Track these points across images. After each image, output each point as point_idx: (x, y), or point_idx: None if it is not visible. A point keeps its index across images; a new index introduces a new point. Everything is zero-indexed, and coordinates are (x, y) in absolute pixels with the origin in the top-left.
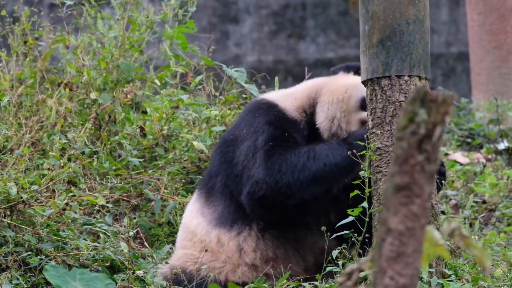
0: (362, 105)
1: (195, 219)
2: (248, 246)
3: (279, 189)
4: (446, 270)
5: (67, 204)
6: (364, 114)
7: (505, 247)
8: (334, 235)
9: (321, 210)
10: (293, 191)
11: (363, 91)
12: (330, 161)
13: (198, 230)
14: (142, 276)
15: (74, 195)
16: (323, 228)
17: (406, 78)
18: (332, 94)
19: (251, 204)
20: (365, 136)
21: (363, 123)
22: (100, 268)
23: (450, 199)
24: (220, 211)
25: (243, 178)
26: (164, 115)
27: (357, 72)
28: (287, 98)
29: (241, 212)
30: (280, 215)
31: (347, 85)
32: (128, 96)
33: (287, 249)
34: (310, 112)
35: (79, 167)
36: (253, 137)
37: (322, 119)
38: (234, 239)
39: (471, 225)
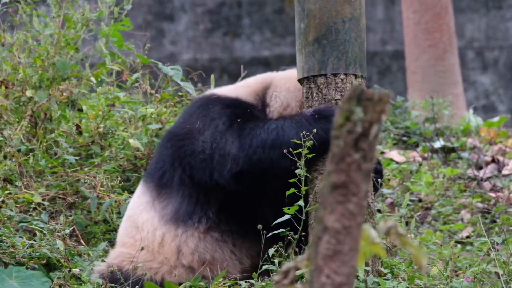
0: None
1: (145, 212)
2: (187, 248)
3: (254, 164)
4: (382, 269)
5: (3, 201)
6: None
7: (441, 245)
8: (271, 233)
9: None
10: (266, 166)
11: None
12: (301, 138)
13: (146, 226)
14: (78, 274)
15: (10, 193)
16: (259, 226)
17: (342, 76)
18: (289, 81)
19: (231, 181)
20: (301, 134)
21: None
22: (36, 266)
23: (386, 198)
24: (176, 204)
25: (214, 159)
26: (100, 113)
27: None
28: (238, 89)
29: (200, 202)
30: (261, 193)
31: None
32: (64, 94)
33: (225, 253)
34: (263, 97)
35: (15, 165)
36: (212, 125)
37: (276, 105)
38: (176, 239)
39: (407, 223)
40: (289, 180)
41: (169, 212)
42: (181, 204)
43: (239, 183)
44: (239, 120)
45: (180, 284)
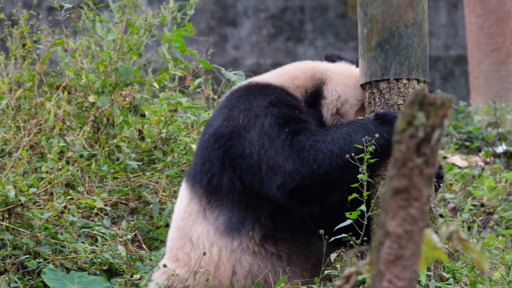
0: None
1: (199, 224)
2: (241, 268)
3: (319, 178)
4: (444, 274)
5: (65, 207)
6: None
7: (503, 250)
8: (332, 238)
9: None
10: (334, 178)
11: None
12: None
13: (201, 241)
14: (137, 281)
15: (72, 198)
16: (321, 231)
17: (404, 81)
18: (348, 78)
19: (285, 197)
20: (363, 140)
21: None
22: (98, 272)
23: (449, 202)
24: (227, 212)
25: (261, 168)
26: (162, 118)
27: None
28: (281, 77)
29: (251, 208)
30: (317, 205)
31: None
32: (127, 99)
33: (278, 274)
34: (311, 92)
35: (77, 170)
36: (257, 123)
37: (332, 99)
38: (232, 257)
39: (469, 228)
40: (352, 185)
41: (222, 222)
42: (232, 211)
43: (293, 198)
44: (288, 125)
45: None
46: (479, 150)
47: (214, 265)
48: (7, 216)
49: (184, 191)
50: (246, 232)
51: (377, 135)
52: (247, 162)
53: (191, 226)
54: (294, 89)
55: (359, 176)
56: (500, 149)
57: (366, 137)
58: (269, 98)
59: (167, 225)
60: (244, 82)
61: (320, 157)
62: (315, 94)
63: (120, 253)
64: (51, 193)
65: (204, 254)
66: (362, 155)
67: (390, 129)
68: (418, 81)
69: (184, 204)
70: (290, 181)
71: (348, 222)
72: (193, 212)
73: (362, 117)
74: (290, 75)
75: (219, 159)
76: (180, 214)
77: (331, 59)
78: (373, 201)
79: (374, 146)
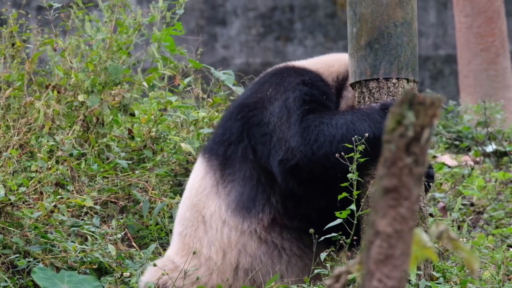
0: None
1: (212, 200)
2: (245, 260)
3: (317, 160)
4: (434, 273)
5: (55, 206)
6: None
7: (493, 249)
8: (323, 238)
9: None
10: (332, 162)
11: None
12: (374, 132)
13: (214, 220)
14: (127, 279)
15: (62, 197)
16: (311, 230)
17: (394, 80)
18: None
19: (284, 173)
20: (353, 139)
21: None
22: (88, 271)
23: (438, 202)
24: (239, 188)
25: (272, 139)
26: (152, 118)
27: None
28: (317, 64)
29: (261, 185)
30: (311, 188)
31: None
32: (116, 98)
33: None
34: (341, 81)
35: (67, 169)
36: (284, 96)
37: (345, 101)
38: (240, 241)
39: (459, 227)
40: (341, 184)
41: (233, 198)
42: (243, 187)
43: (292, 176)
44: (311, 104)
45: None
46: (469, 150)
47: (223, 251)
48: None
49: (199, 165)
50: (256, 213)
51: (381, 126)
52: (262, 130)
53: (204, 202)
54: (328, 75)
55: (349, 175)
56: (490, 148)
57: (374, 125)
58: (303, 78)
59: (157, 224)
60: (281, 64)
61: (321, 139)
62: (343, 84)
63: (110, 252)
64: (41, 192)
65: (194, 253)
66: (360, 148)
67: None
68: (408, 80)
69: (199, 178)
70: (291, 158)
71: (338, 221)
72: (207, 186)
73: (367, 105)
74: (326, 63)
75: (239, 129)
76: (194, 189)
77: None
78: (363, 200)
79: (377, 137)
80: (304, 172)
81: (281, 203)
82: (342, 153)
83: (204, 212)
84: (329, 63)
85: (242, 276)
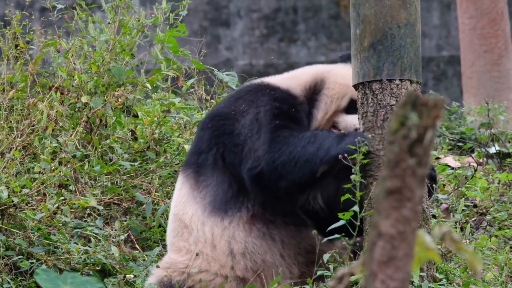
0: (348, 108)
1: (189, 206)
2: (238, 245)
3: (276, 167)
4: (437, 274)
5: (58, 207)
6: (347, 119)
7: (496, 251)
8: (325, 239)
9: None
10: (287, 171)
11: (355, 94)
12: (326, 151)
13: (193, 222)
14: (132, 281)
15: (65, 199)
16: (314, 232)
17: (397, 82)
18: (334, 90)
19: (250, 179)
20: (356, 140)
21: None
22: (91, 272)
23: (441, 203)
24: (213, 192)
25: (244, 149)
26: (155, 119)
27: None
28: (290, 80)
29: (234, 190)
30: (273, 197)
31: (348, 85)
32: (119, 99)
33: (274, 256)
34: (311, 98)
35: (70, 171)
36: (255, 111)
37: (319, 110)
38: (225, 233)
39: (462, 229)
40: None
41: (209, 202)
42: (217, 191)
43: (256, 184)
44: (281, 119)
45: None
46: (472, 151)
47: (211, 245)
48: (0, 216)
49: (178, 178)
50: (234, 213)
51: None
52: (234, 141)
53: (183, 210)
54: (297, 88)
55: (352, 176)
56: (493, 149)
57: (315, 151)
58: (274, 95)
59: (160, 226)
60: (257, 80)
61: (284, 148)
62: (315, 94)
63: (113, 254)
64: (44, 194)
65: (197, 254)
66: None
67: (341, 150)
68: (411, 81)
69: (178, 190)
70: (257, 165)
71: (341, 222)
72: (184, 195)
73: (334, 129)
74: (298, 78)
75: (209, 136)
76: (175, 201)
77: (343, 60)
78: (366, 201)
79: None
80: (265, 178)
81: (258, 205)
82: (344, 155)
83: (184, 218)
84: (300, 77)
85: (241, 259)
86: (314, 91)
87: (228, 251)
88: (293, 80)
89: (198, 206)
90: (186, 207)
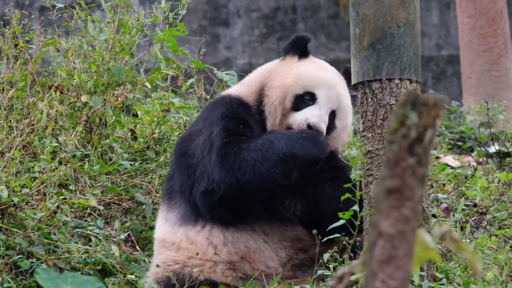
0: (295, 106)
1: (162, 227)
2: (217, 238)
3: (242, 186)
4: (437, 274)
5: (58, 207)
6: (297, 117)
7: (496, 250)
8: (325, 239)
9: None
10: (256, 185)
11: (297, 89)
12: (290, 151)
13: (167, 236)
14: (133, 281)
15: (65, 198)
16: (314, 231)
17: (397, 81)
18: (273, 97)
19: (209, 204)
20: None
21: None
22: (91, 272)
23: (441, 203)
24: (182, 210)
25: (196, 171)
26: (155, 118)
27: (303, 51)
28: (247, 87)
29: (198, 215)
30: (244, 212)
31: (285, 84)
32: (119, 99)
33: (258, 242)
34: (259, 107)
35: (70, 170)
36: (208, 130)
37: (268, 119)
38: (201, 233)
39: (462, 228)
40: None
41: (179, 217)
42: (186, 207)
43: (223, 206)
44: (230, 136)
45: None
46: (472, 150)
47: (188, 242)
48: (0, 216)
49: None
50: (206, 221)
51: (297, 143)
52: (188, 162)
53: (158, 232)
54: (248, 97)
55: (352, 176)
56: (493, 149)
57: (291, 143)
58: (222, 110)
59: None
60: (223, 92)
61: (244, 165)
62: (262, 107)
63: (113, 253)
64: (44, 193)
65: (197, 254)
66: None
67: (311, 145)
68: (411, 81)
69: (158, 218)
70: (217, 189)
71: (341, 222)
72: (161, 218)
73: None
74: (250, 85)
75: (174, 161)
76: (156, 228)
77: (285, 52)
78: (365, 201)
79: (293, 154)
80: (231, 200)
81: (231, 212)
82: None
83: (158, 236)
84: (250, 83)
85: (223, 248)
86: (260, 101)
87: (207, 243)
88: (246, 88)
89: (170, 223)
90: (161, 227)
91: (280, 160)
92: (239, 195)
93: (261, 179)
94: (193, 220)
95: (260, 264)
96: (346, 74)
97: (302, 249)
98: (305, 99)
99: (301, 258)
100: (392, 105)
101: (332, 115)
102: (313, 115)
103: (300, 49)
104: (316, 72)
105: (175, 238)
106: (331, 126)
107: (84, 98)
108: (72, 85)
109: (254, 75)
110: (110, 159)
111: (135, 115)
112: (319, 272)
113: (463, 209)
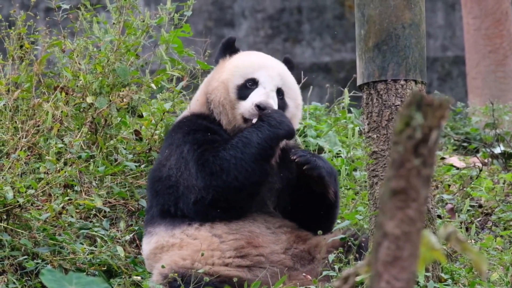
0: (240, 95)
1: (150, 241)
2: (220, 231)
3: (229, 185)
4: (442, 274)
5: (63, 208)
6: (245, 104)
7: (501, 251)
8: (330, 239)
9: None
10: (242, 181)
11: (236, 79)
12: (264, 138)
13: (160, 242)
14: (139, 282)
15: (70, 199)
16: (319, 232)
17: (402, 82)
18: (216, 97)
19: (202, 210)
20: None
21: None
22: (96, 273)
23: (447, 203)
24: (170, 220)
25: (179, 188)
26: (153, 120)
27: (232, 49)
28: (193, 103)
29: (174, 230)
30: (239, 209)
31: (223, 79)
32: (124, 100)
33: (260, 226)
34: (213, 114)
35: (76, 171)
36: (178, 151)
37: (223, 120)
38: (202, 229)
39: (467, 229)
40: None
41: (169, 224)
42: (173, 219)
43: (214, 209)
44: (201, 147)
45: (240, 280)
46: (477, 151)
47: (191, 238)
48: (5, 217)
49: None
50: (199, 223)
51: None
52: (166, 184)
53: (148, 247)
54: (207, 111)
55: (357, 176)
56: (498, 150)
57: (263, 135)
58: (183, 130)
59: None
60: (183, 113)
61: (226, 165)
62: (214, 112)
63: (118, 254)
64: (49, 194)
65: (203, 254)
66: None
67: (277, 122)
68: (416, 82)
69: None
70: (206, 195)
71: (346, 222)
72: (146, 238)
73: (247, 122)
74: (200, 100)
75: (149, 189)
76: (143, 247)
77: (221, 55)
78: (371, 201)
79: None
80: (222, 202)
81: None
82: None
83: (150, 248)
84: (200, 98)
85: (227, 236)
86: (210, 108)
87: (210, 235)
88: (196, 103)
89: (160, 232)
90: (151, 241)
91: (259, 152)
92: (229, 195)
93: (246, 174)
94: (186, 223)
95: (265, 248)
96: (287, 63)
97: (300, 237)
98: (247, 86)
99: (300, 249)
100: (397, 106)
101: (280, 93)
102: (258, 95)
103: (229, 50)
104: (251, 58)
105: (174, 239)
106: (282, 105)
107: (89, 99)
108: (77, 86)
109: (199, 90)
110: (115, 160)
111: (140, 116)
112: (324, 273)
113: (468, 210)
